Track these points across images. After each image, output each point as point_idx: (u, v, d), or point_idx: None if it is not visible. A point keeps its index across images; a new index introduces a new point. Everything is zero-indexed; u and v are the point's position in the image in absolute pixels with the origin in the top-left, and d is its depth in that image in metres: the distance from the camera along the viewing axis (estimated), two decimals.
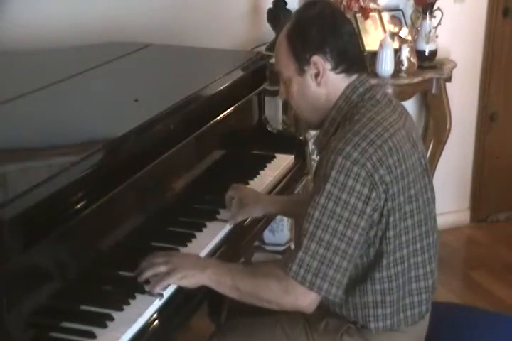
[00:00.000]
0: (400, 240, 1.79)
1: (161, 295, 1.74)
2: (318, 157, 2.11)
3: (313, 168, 3.04)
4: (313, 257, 1.70)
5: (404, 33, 3.43)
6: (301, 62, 1.83)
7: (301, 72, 1.84)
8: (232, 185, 2.23)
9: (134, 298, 1.72)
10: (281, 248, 3.44)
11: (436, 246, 1.92)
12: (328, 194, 1.70)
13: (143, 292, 1.75)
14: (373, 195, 1.71)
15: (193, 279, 1.77)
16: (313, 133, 3.25)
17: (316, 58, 1.81)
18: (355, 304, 1.83)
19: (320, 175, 1.76)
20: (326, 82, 1.83)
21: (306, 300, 1.72)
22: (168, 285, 1.76)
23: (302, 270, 1.70)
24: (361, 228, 1.71)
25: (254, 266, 1.86)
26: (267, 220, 2.32)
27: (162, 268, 1.77)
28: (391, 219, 1.75)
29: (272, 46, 3.15)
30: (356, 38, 1.88)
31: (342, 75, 1.84)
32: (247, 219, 2.20)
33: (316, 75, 1.83)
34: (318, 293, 1.71)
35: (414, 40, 3.42)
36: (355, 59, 1.85)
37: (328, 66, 1.82)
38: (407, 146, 1.80)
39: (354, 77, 1.85)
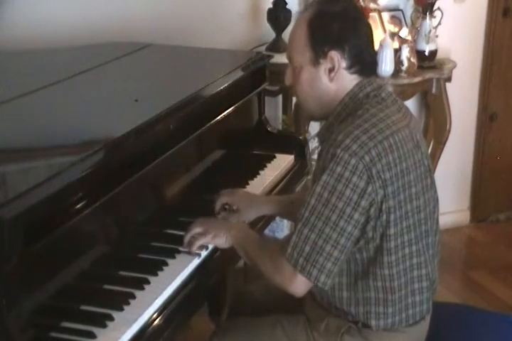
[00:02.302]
0: (402, 239, 1.80)
1: (199, 254, 1.92)
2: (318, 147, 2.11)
3: (314, 165, 3.07)
4: (305, 242, 1.73)
5: (404, 33, 3.43)
6: (318, 53, 1.81)
7: (316, 63, 1.82)
8: (221, 192, 2.19)
9: (133, 297, 1.72)
10: None
11: (436, 246, 1.92)
12: (324, 183, 1.72)
13: (142, 289, 1.75)
14: (369, 189, 1.71)
15: (222, 238, 1.95)
16: (313, 133, 3.26)
17: (334, 53, 1.80)
18: (357, 299, 1.84)
19: (319, 166, 1.78)
20: (337, 79, 1.83)
21: (293, 281, 1.77)
22: (206, 247, 1.95)
23: (295, 253, 1.74)
24: (355, 220, 1.72)
25: (266, 240, 1.99)
26: (267, 220, 2.32)
27: (197, 230, 1.95)
28: (392, 217, 1.76)
29: (272, 46, 3.16)
30: (373, 41, 1.88)
31: (354, 76, 1.83)
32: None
33: (330, 70, 1.82)
34: (307, 278, 1.74)
35: (414, 40, 3.41)
36: (370, 62, 1.86)
37: (344, 64, 1.81)
38: (410, 145, 1.80)
39: (363, 78, 1.85)
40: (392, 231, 1.77)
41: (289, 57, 1.90)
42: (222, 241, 1.95)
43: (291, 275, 1.76)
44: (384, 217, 1.75)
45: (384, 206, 1.74)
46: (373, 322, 1.84)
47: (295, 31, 1.87)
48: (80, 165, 1.67)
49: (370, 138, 1.73)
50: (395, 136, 1.76)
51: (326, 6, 1.85)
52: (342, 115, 1.84)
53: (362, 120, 1.77)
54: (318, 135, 1.97)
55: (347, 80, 1.84)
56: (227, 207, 2.17)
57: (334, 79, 1.83)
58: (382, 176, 1.73)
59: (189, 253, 1.92)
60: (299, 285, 1.77)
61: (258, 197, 2.27)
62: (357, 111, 1.80)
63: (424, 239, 1.85)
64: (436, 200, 1.92)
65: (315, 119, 2.05)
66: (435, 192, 1.91)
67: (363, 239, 1.78)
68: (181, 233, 2.02)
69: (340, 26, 1.80)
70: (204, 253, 1.94)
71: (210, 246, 1.96)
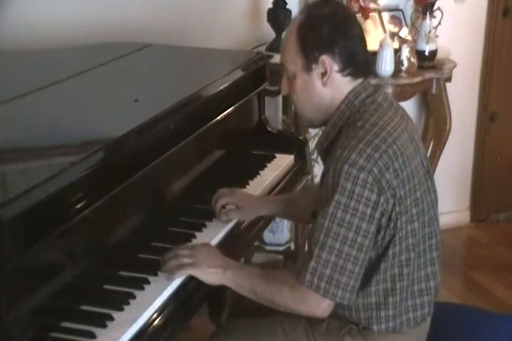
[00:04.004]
0: (406, 242, 1.79)
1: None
2: (317, 157, 2.09)
3: (315, 166, 3.07)
4: (325, 266, 1.70)
5: (404, 33, 3.43)
6: (309, 59, 1.80)
7: (308, 69, 1.82)
8: (221, 191, 2.18)
9: (133, 297, 1.72)
10: (281, 248, 3.44)
11: (438, 248, 1.91)
12: (336, 203, 1.70)
13: (142, 289, 1.75)
14: (381, 199, 1.71)
15: (213, 277, 1.83)
16: (313, 133, 3.26)
17: (325, 57, 1.79)
18: (357, 306, 1.83)
19: (326, 184, 1.75)
20: (331, 83, 1.82)
21: (320, 307, 1.74)
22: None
23: (316, 279, 1.71)
24: (371, 233, 1.71)
25: (271, 271, 1.87)
26: (267, 220, 2.32)
27: (186, 260, 1.83)
28: (398, 222, 1.76)
29: (272, 46, 3.16)
30: (365, 41, 1.86)
31: (348, 78, 1.82)
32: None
33: (323, 75, 1.81)
34: (332, 299, 1.72)
35: (414, 40, 3.41)
36: (363, 63, 1.84)
37: (336, 67, 1.80)
38: (411, 149, 1.79)
39: (359, 81, 1.83)
40: (397, 236, 1.77)
41: (283, 67, 1.89)
42: (213, 280, 1.83)
43: (317, 302, 1.73)
44: (392, 224, 1.75)
45: (393, 214, 1.74)
46: (375, 327, 1.84)
47: (286, 41, 1.86)
48: (80, 165, 1.68)
49: (375, 149, 1.72)
50: (398, 142, 1.76)
51: (314, 11, 1.84)
52: (339, 124, 1.83)
53: (364, 132, 1.75)
54: (317, 146, 1.94)
55: (341, 84, 1.82)
56: (227, 206, 2.17)
57: (328, 83, 1.82)
58: (392, 185, 1.72)
59: (171, 274, 1.81)
60: (326, 308, 1.75)
61: (257, 198, 2.26)
62: (356, 122, 1.79)
63: (426, 241, 1.85)
64: (436, 202, 1.92)
65: (314, 127, 2.03)
66: (435, 193, 1.91)
67: (373, 248, 1.76)
68: (181, 232, 2.03)
69: (329, 30, 1.79)
70: (170, 290, 1.79)
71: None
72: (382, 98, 1.85)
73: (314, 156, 3.16)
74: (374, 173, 1.70)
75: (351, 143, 1.73)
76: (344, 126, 1.82)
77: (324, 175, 1.81)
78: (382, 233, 1.75)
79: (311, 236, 1.75)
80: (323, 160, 1.92)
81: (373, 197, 1.70)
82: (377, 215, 1.71)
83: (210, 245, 1.97)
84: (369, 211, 1.70)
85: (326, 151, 1.87)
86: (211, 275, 1.83)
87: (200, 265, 1.83)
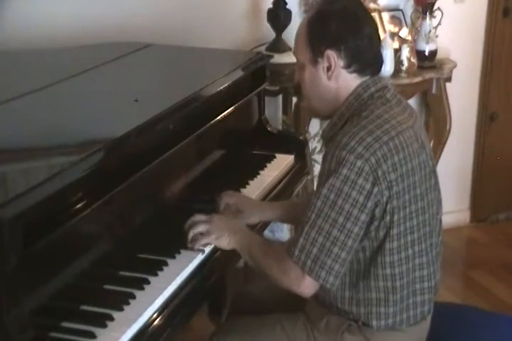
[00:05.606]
0: (405, 239, 1.80)
1: (203, 250, 1.93)
2: (322, 148, 2.10)
3: (315, 166, 3.07)
4: (312, 244, 1.74)
5: (404, 33, 3.43)
6: (316, 53, 1.83)
7: (315, 62, 1.84)
8: (225, 192, 2.20)
9: (133, 297, 1.72)
10: None
11: (439, 247, 1.92)
12: (330, 186, 1.72)
13: (142, 289, 1.75)
14: (375, 190, 1.72)
15: (225, 241, 1.94)
16: (313, 133, 3.26)
17: (330, 53, 1.81)
18: (358, 300, 1.84)
19: (324, 169, 1.78)
20: (336, 78, 1.83)
21: (301, 283, 1.77)
22: (208, 243, 1.94)
23: (303, 255, 1.75)
24: (361, 221, 1.72)
25: (271, 244, 1.96)
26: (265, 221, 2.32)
27: (201, 228, 1.94)
28: (395, 217, 1.76)
29: (272, 46, 3.16)
30: (376, 40, 1.87)
31: (354, 75, 1.84)
32: None
33: (328, 69, 1.83)
34: (315, 279, 1.75)
35: (414, 40, 3.42)
36: (370, 62, 1.85)
37: (341, 63, 1.82)
38: (415, 146, 1.80)
39: (366, 78, 1.85)
40: (395, 231, 1.77)
41: (295, 56, 1.93)
42: (225, 244, 1.94)
43: (300, 278, 1.76)
44: (388, 217, 1.76)
45: (388, 206, 1.75)
46: (374, 323, 1.85)
47: (298, 32, 1.90)
48: (80, 165, 1.67)
49: (376, 139, 1.73)
50: (400, 137, 1.76)
51: (327, 6, 1.86)
52: (346, 115, 1.84)
53: (367, 121, 1.77)
54: (322, 135, 1.97)
55: (347, 79, 1.84)
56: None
57: (332, 77, 1.83)
58: (388, 177, 1.73)
59: (192, 249, 1.92)
60: (308, 287, 1.78)
61: (260, 203, 2.27)
62: (361, 112, 1.80)
63: (427, 239, 1.86)
64: (439, 201, 1.92)
65: (321, 117, 2.06)
66: (439, 193, 1.91)
67: (366, 238, 1.78)
68: (182, 232, 2.03)
69: (337, 26, 1.80)
70: (207, 249, 1.94)
71: (211, 246, 1.96)
72: (391, 94, 1.86)
73: (314, 156, 3.17)
74: (371, 163, 1.71)
75: (352, 130, 1.75)
76: (350, 116, 1.83)
77: (323, 161, 1.84)
78: (377, 223, 1.76)
79: (304, 214, 1.77)
80: (326, 146, 1.94)
81: (367, 186, 1.71)
82: (369, 205, 1.72)
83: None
84: (361, 199, 1.71)
85: (330, 139, 1.88)
86: (223, 240, 1.94)
87: (213, 232, 1.93)
